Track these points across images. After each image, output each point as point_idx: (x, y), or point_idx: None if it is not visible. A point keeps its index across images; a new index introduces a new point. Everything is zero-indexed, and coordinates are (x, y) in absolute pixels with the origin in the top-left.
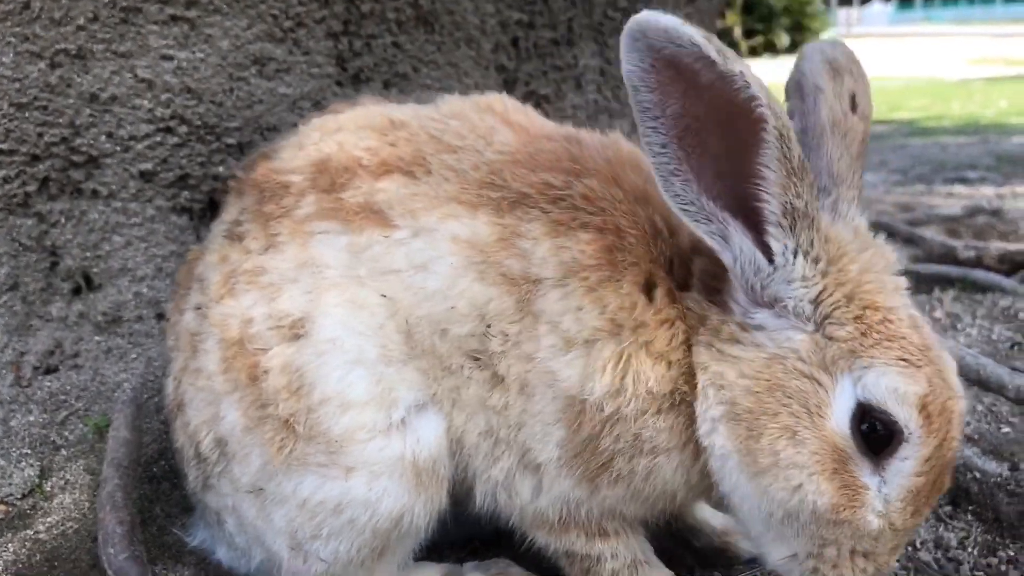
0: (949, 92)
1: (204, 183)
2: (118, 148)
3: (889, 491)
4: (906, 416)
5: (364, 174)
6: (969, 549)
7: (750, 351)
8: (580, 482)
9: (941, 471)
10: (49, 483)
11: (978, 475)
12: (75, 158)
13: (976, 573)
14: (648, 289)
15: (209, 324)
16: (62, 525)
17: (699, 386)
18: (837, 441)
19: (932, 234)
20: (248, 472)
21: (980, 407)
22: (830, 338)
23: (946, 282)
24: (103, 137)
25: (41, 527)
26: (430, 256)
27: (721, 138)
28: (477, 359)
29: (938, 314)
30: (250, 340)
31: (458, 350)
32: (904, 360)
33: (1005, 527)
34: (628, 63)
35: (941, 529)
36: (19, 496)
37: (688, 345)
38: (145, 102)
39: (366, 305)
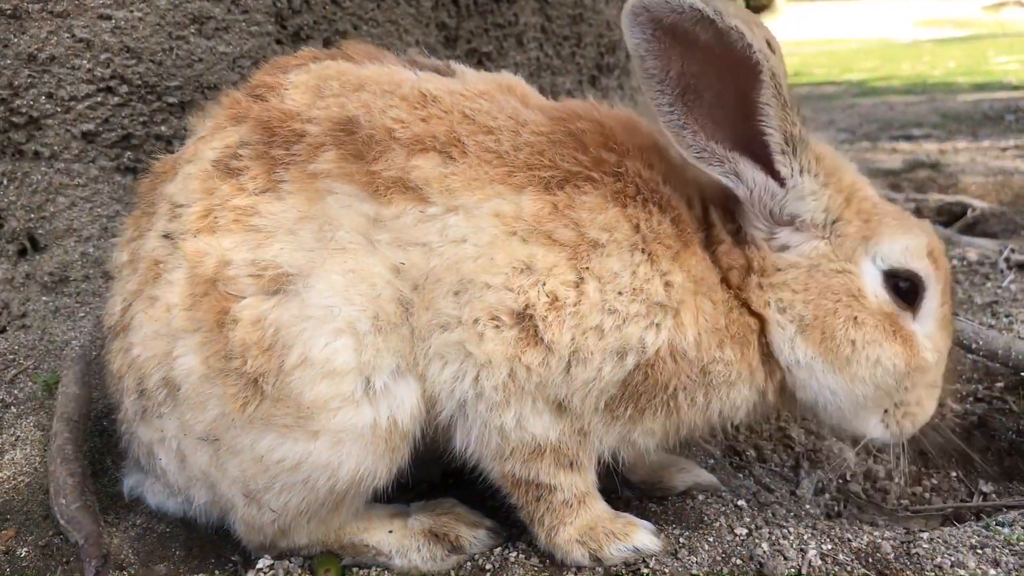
0: (899, 53)
1: (147, 143)
2: (58, 109)
3: (927, 328)
4: (922, 266)
5: (398, 148)
6: (897, 480)
7: (791, 272)
8: (616, 421)
9: (950, 295)
10: (0, 440)
11: None
12: (15, 119)
13: (902, 501)
14: (705, 251)
15: (180, 255)
16: (14, 480)
17: (768, 319)
18: (884, 308)
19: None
20: (203, 420)
21: None
22: (841, 235)
23: None
24: (43, 98)
25: None
26: (468, 231)
27: (719, 88)
28: (495, 317)
29: None
30: (224, 282)
31: (484, 311)
32: (900, 226)
33: (930, 459)
34: (633, 37)
35: (870, 462)
36: None
37: (734, 288)
38: (84, 62)
39: (367, 275)
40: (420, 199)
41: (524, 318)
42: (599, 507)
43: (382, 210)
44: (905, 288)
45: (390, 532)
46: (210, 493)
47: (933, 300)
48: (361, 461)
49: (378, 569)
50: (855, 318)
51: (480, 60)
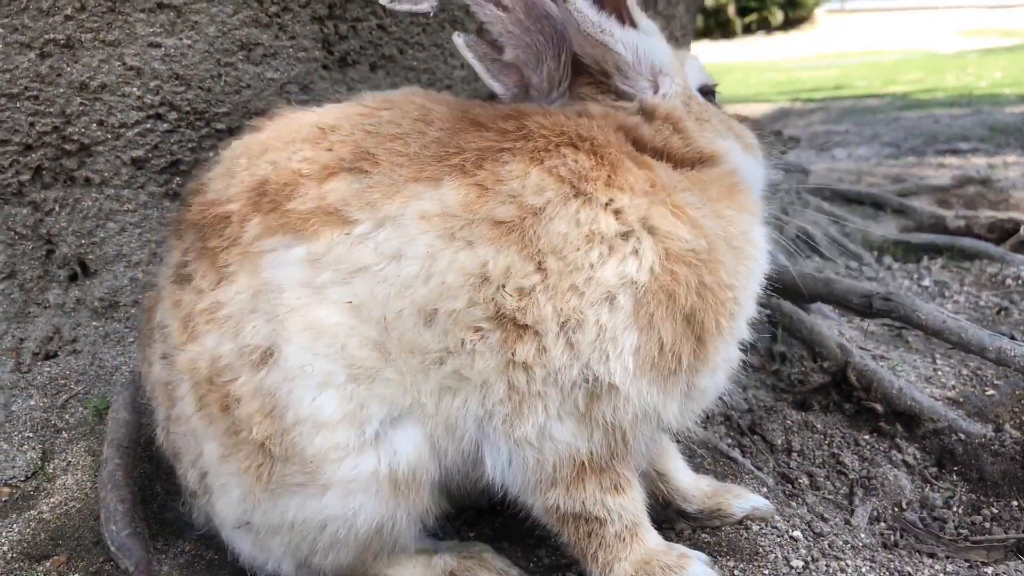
0: (943, 65)
1: (195, 168)
2: (109, 136)
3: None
4: (710, 77)
5: (307, 182)
6: (954, 508)
7: (685, 113)
8: (675, 374)
9: None
10: (51, 465)
11: (963, 436)
12: (67, 146)
13: (961, 531)
14: (636, 162)
15: (178, 371)
16: (65, 505)
17: (722, 152)
18: (716, 111)
19: (922, 204)
20: (230, 506)
21: (965, 371)
22: (675, 70)
23: (934, 250)
24: (94, 125)
25: (45, 507)
26: (401, 242)
27: None
28: (480, 328)
29: (927, 282)
30: (219, 374)
31: (457, 325)
32: (682, 53)
33: (989, 486)
34: None
35: (927, 489)
36: (22, 478)
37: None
38: (134, 89)
39: (327, 328)
40: (344, 221)
41: (500, 319)
42: (652, 539)
43: (312, 247)
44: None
45: (413, 568)
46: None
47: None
48: (375, 510)
49: None
50: (726, 123)
51: None
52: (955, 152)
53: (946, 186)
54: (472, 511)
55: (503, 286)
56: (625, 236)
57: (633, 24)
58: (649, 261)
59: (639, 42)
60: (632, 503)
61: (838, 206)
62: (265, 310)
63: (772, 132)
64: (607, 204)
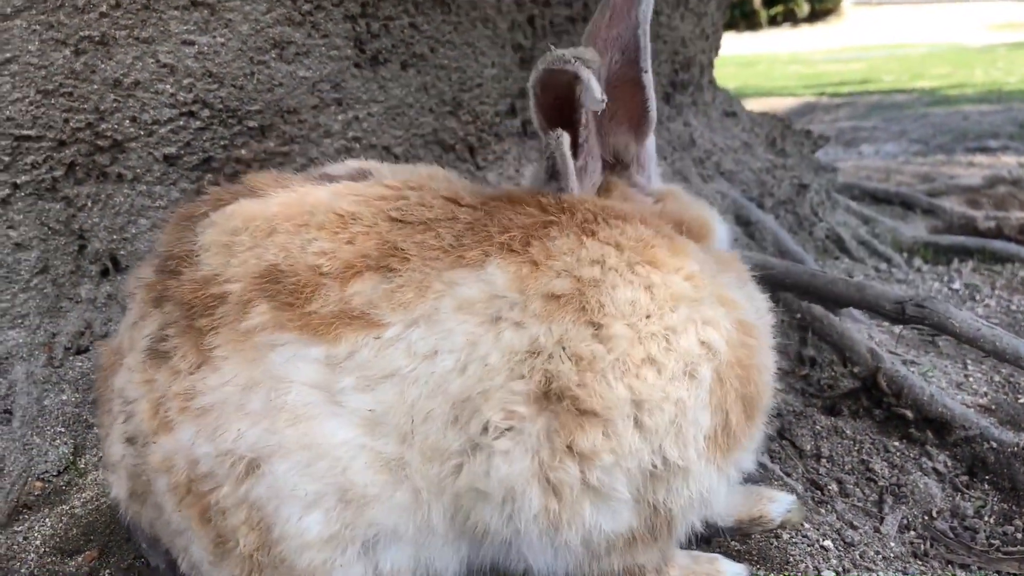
0: (972, 59)
1: (227, 166)
2: (142, 132)
3: None
4: None
5: (329, 282)
6: (986, 518)
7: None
8: (729, 450)
9: None
10: (83, 460)
11: (995, 445)
12: (100, 143)
13: (992, 541)
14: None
15: (152, 466)
16: (96, 501)
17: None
18: None
19: (952, 204)
20: None
21: (997, 378)
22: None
23: (965, 253)
24: (127, 122)
25: (76, 503)
26: (436, 339)
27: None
28: (513, 414)
29: (957, 285)
30: (199, 481)
31: (495, 408)
32: None
33: (1021, 496)
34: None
35: (958, 498)
36: (55, 473)
37: None
38: (168, 87)
39: (329, 449)
40: (371, 324)
41: (552, 398)
42: (681, 558)
43: (333, 351)
44: None
45: None
46: None
47: None
48: None
49: None
50: None
51: None
52: (985, 150)
53: (976, 186)
54: None
55: (560, 353)
56: (701, 302)
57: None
58: (726, 330)
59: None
60: (668, 545)
61: (867, 205)
62: (257, 411)
63: (802, 131)
64: (678, 270)
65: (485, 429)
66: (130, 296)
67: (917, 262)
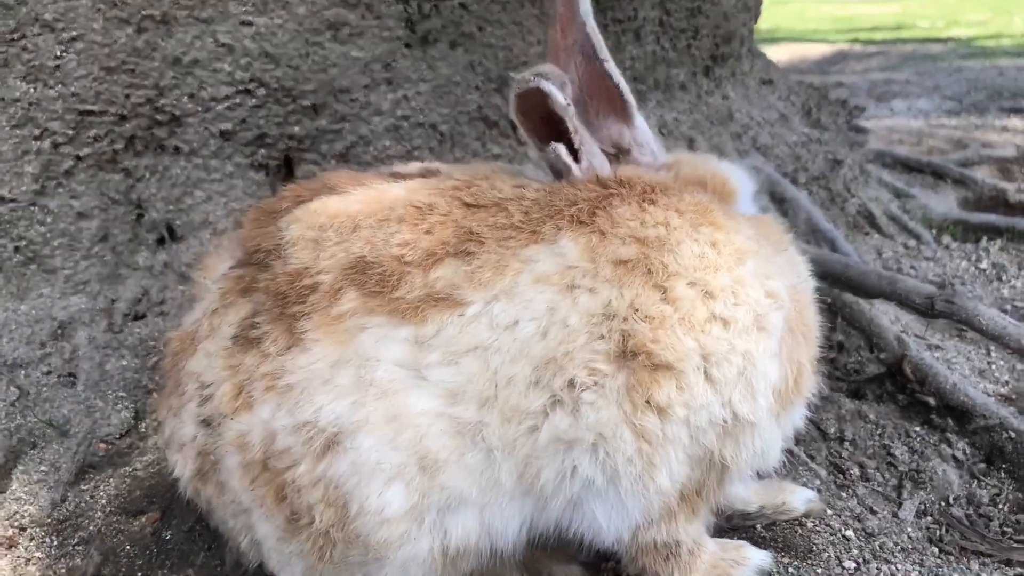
0: (1012, 5)
1: (280, 142)
2: (199, 108)
3: None
4: None
5: (412, 270)
6: (1000, 506)
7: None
8: (789, 406)
9: None
10: (143, 424)
11: (1013, 435)
12: (159, 117)
13: (1005, 529)
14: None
15: (224, 443)
16: (157, 464)
17: None
18: None
19: (983, 176)
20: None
21: (1020, 367)
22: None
23: (994, 231)
24: (185, 98)
25: (139, 465)
26: (517, 312)
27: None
28: (596, 371)
29: (984, 264)
30: (275, 458)
31: (579, 367)
32: None
33: None
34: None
35: (974, 486)
36: (117, 436)
37: None
38: (225, 65)
39: (411, 418)
40: (455, 304)
41: (628, 356)
42: (710, 543)
43: (420, 331)
44: None
45: None
46: None
47: None
48: None
49: None
50: None
51: None
52: (1019, 111)
53: (1009, 157)
54: None
55: (632, 316)
56: (764, 258)
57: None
58: (787, 282)
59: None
60: (700, 524)
61: (898, 175)
62: (345, 386)
63: (838, 101)
64: (738, 231)
65: (570, 385)
66: (199, 285)
67: (946, 239)
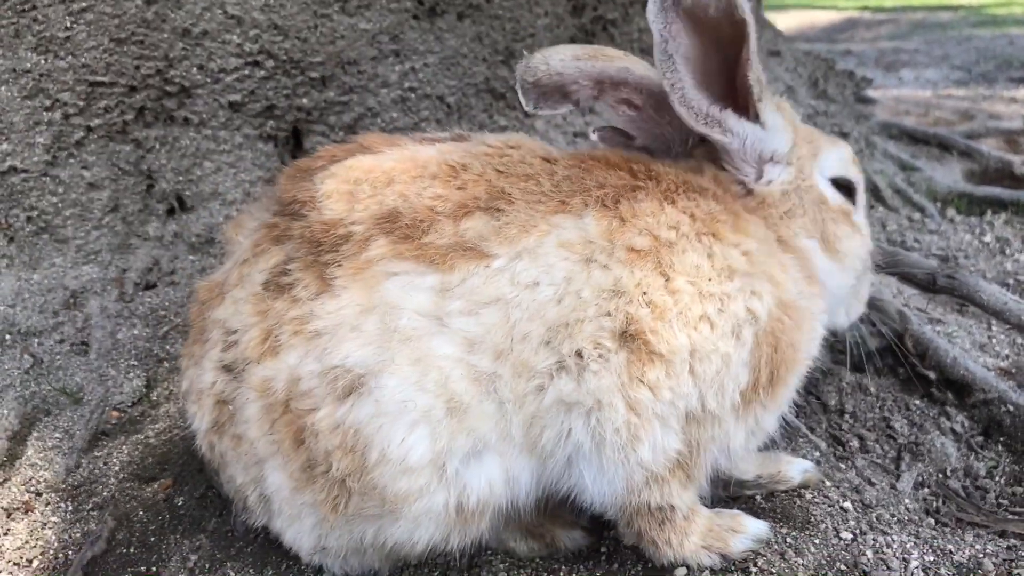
0: None
1: (288, 113)
2: (208, 80)
3: (861, 218)
4: (854, 171)
5: (443, 219)
6: (997, 478)
7: (790, 199)
8: (749, 410)
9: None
10: (155, 393)
11: (1011, 408)
12: (168, 88)
13: (1001, 501)
14: (751, 216)
15: (246, 387)
16: (169, 432)
17: (801, 247)
18: (843, 208)
19: (989, 148)
20: (304, 532)
21: (1021, 340)
22: (800, 158)
23: (998, 205)
24: (195, 69)
25: (151, 433)
26: (539, 272)
27: (711, 57)
28: (600, 344)
29: (988, 238)
30: (296, 400)
31: (587, 339)
32: (830, 142)
33: None
34: (658, 22)
35: (972, 458)
36: (129, 403)
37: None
38: (234, 37)
39: (434, 359)
40: (482, 255)
41: (629, 338)
42: (704, 510)
43: (447, 278)
44: (846, 189)
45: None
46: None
47: (862, 195)
48: (434, 534)
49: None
50: (833, 219)
51: (605, 27)
52: None
53: (1016, 129)
54: None
55: (639, 297)
56: (751, 275)
57: (756, 118)
58: (768, 304)
59: (750, 134)
60: (695, 492)
61: (904, 147)
62: (373, 332)
63: (845, 72)
64: (737, 245)
65: (577, 354)
66: (229, 239)
67: (951, 212)
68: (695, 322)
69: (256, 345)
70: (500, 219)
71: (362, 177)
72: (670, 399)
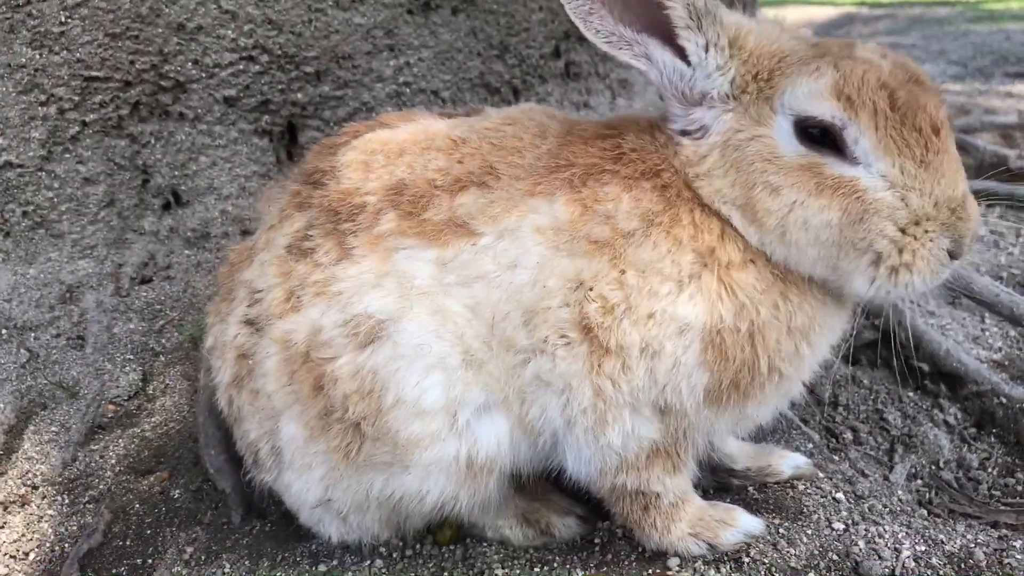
0: None
1: (283, 108)
2: (203, 75)
3: (878, 167)
4: (827, 108)
5: (441, 194)
6: (989, 470)
7: (712, 155)
8: (724, 410)
9: (907, 112)
10: (151, 387)
11: (1004, 400)
12: (163, 83)
13: (993, 492)
14: (691, 208)
15: (269, 341)
16: (165, 425)
17: (724, 214)
18: (800, 162)
19: (985, 143)
20: (311, 483)
21: (1013, 333)
22: (747, 100)
23: (993, 198)
24: (190, 64)
25: (147, 426)
26: (517, 254)
27: None
28: (566, 335)
29: (982, 231)
30: (317, 349)
31: (545, 324)
32: (802, 70)
33: None
34: None
35: (965, 450)
36: (126, 397)
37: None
38: (229, 32)
39: (451, 314)
40: (470, 233)
41: (588, 330)
42: (697, 500)
43: (442, 253)
44: (818, 133)
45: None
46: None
47: (865, 140)
48: (444, 488)
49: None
50: (770, 185)
51: None
52: None
53: (1012, 124)
54: None
55: (591, 289)
56: (700, 279)
57: (682, 52)
58: (724, 307)
59: (673, 69)
60: (685, 479)
61: None
62: (391, 287)
63: None
64: (694, 249)
65: (546, 340)
66: (261, 212)
67: None
68: (644, 320)
69: (279, 303)
70: (487, 196)
71: (378, 148)
72: (629, 391)
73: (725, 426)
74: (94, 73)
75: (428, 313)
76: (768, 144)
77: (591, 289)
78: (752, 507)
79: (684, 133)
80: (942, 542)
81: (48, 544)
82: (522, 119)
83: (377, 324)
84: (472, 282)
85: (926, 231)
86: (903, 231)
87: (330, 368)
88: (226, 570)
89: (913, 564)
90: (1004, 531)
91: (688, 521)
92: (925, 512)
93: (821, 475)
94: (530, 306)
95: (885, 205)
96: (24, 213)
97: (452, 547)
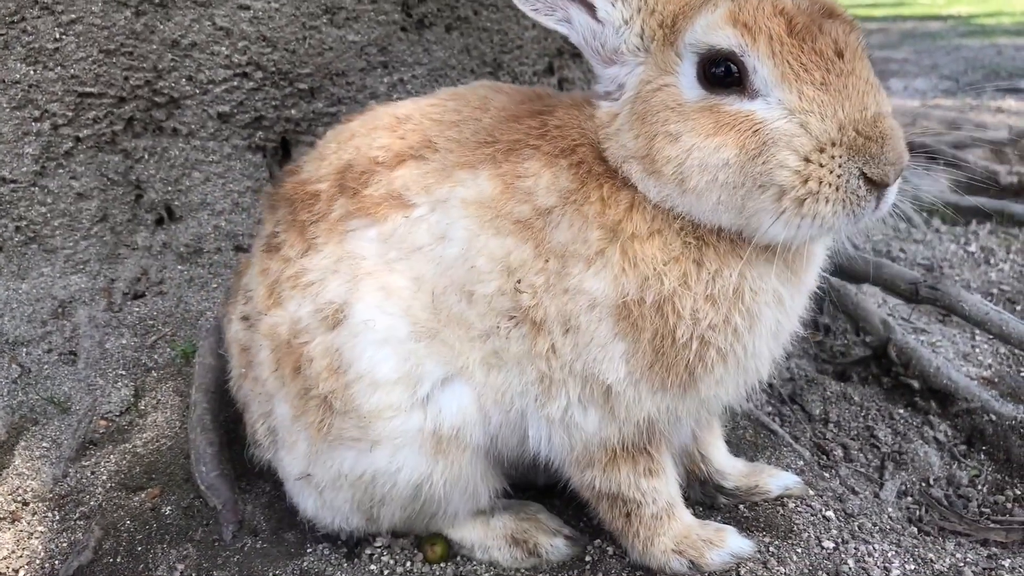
0: None
1: (277, 124)
2: (197, 91)
3: (776, 96)
4: (724, 35)
5: (382, 169)
6: (979, 487)
7: (623, 113)
8: (667, 387)
9: (805, 36)
10: (143, 402)
11: (994, 417)
12: (157, 99)
13: (983, 510)
14: (601, 183)
15: (260, 336)
16: (157, 441)
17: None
18: (701, 105)
19: (976, 158)
20: (296, 458)
21: (1003, 350)
22: (657, 52)
23: (983, 215)
24: (183, 80)
25: (138, 442)
26: (447, 225)
27: None
28: (513, 317)
29: (973, 248)
30: (297, 336)
31: (491, 311)
32: (705, 4)
33: (1015, 468)
34: None
35: (955, 467)
36: (117, 413)
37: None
38: (223, 49)
39: (395, 289)
40: (405, 205)
41: (525, 313)
42: (687, 517)
43: (382, 229)
44: (722, 71)
45: (473, 529)
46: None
47: (765, 69)
48: (416, 466)
49: None
50: (670, 133)
51: None
52: (1016, 91)
53: (1002, 139)
54: (533, 490)
55: (519, 280)
56: (609, 253)
57: (591, 9)
58: (632, 277)
59: (582, 22)
60: (665, 486)
61: None
62: (345, 272)
63: None
64: (601, 225)
65: (497, 327)
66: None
67: (936, 222)
68: (560, 296)
69: (264, 299)
70: (423, 168)
71: (330, 138)
72: (560, 365)
73: (687, 413)
74: (88, 89)
75: (372, 290)
76: (672, 93)
77: (519, 281)
78: (742, 525)
79: (607, 96)
80: (931, 561)
81: (38, 561)
82: (466, 94)
83: (339, 308)
84: (411, 255)
85: (833, 156)
86: (807, 160)
87: (306, 350)
88: None
89: None
90: (993, 549)
91: (673, 537)
92: (915, 530)
93: (811, 493)
94: (463, 283)
95: (783, 134)
96: (17, 228)
97: (443, 565)
